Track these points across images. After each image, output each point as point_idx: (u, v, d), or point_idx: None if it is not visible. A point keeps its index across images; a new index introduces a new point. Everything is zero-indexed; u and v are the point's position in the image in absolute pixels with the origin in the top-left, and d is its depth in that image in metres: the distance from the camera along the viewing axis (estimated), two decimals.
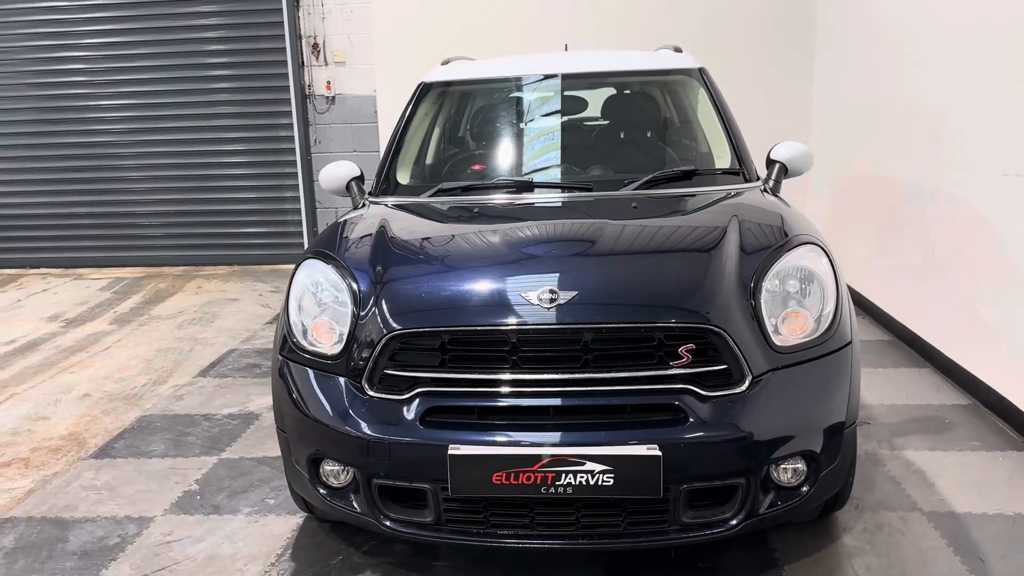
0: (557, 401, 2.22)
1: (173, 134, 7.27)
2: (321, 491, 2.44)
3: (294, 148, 7.13)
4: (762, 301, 2.33)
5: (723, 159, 3.39)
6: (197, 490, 3.22)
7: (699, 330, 2.23)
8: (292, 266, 7.33)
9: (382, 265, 2.51)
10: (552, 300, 2.25)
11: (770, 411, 2.25)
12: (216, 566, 2.68)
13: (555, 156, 3.48)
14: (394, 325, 2.30)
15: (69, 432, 3.86)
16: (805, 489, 2.33)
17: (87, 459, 3.54)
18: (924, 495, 2.95)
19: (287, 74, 7.00)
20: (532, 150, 3.58)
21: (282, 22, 6.90)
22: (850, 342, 2.44)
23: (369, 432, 2.27)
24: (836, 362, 2.38)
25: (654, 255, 2.53)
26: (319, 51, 6.97)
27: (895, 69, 4.77)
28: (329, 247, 2.70)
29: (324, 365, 2.42)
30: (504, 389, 2.24)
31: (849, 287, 5.00)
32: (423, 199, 3.17)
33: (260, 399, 4.17)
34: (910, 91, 4.54)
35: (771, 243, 2.51)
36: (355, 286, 2.45)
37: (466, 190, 3.18)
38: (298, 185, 7.20)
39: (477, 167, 3.55)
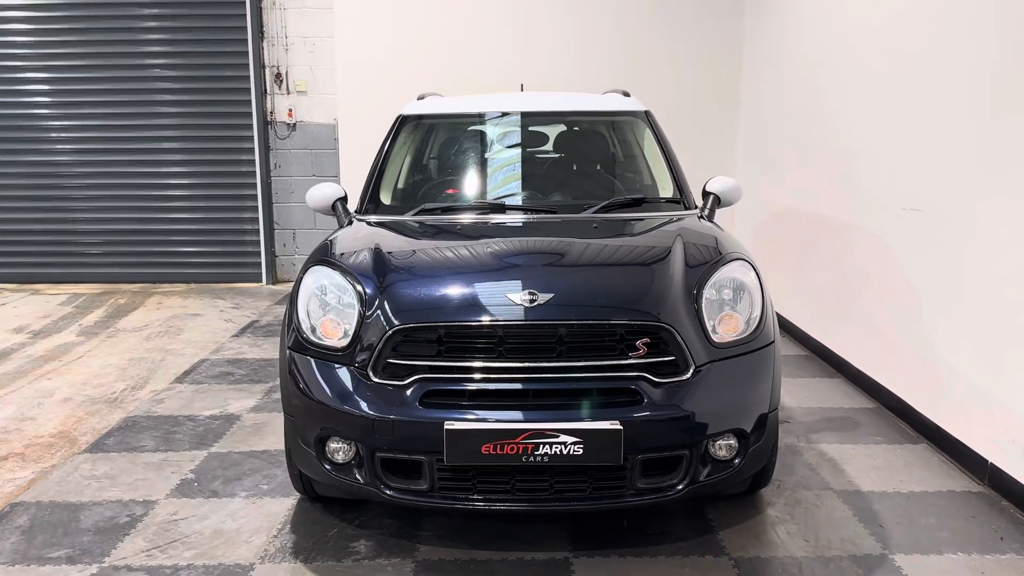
0: (536, 384, 2.66)
1: (132, 155, 7.51)
2: (327, 467, 2.80)
3: (255, 172, 7.45)
4: (703, 305, 2.81)
5: (666, 190, 3.91)
6: (194, 478, 3.53)
7: (653, 327, 2.70)
8: (250, 284, 7.69)
9: (383, 271, 2.91)
10: (532, 301, 2.69)
11: (709, 395, 2.72)
12: (224, 538, 3.01)
13: (518, 183, 3.96)
14: (397, 321, 2.71)
15: (58, 431, 4.11)
16: (737, 461, 2.80)
17: (82, 453, 3.81)
18: (835, 478, 3.47)
19: (250, 101, 7.33)
20: (498, 177, 4.04)
21: (247, 52, 7.25)
22: (773, 342, 2.94)
23: (374, 412, 2.66)
24: (762, 357, 2.88)
25: (615, 266, 3.01)
26: (282, 80, 7.33)
27: (811, 113, 5.41)
28: (331, 255, 3.10)
29: (331, 356, 2.80)
30: (491, 375, 2.67)
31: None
32: (407, 217, 3.59)
33: (238, 403, 4.48)
34: (824, 133, 5.17)
35: (709, 259, 3.00)
36: (360, 289, 2.85)
37: (445, 210, 3.62)
38: (257, 207, 7.51)
39: (453, 190, 4.00)
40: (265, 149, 7.44)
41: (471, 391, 2.66)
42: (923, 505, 3.23)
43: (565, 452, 2.58)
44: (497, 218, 3.54)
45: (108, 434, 4.05)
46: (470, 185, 4.03)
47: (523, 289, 2.73)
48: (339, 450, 2.78)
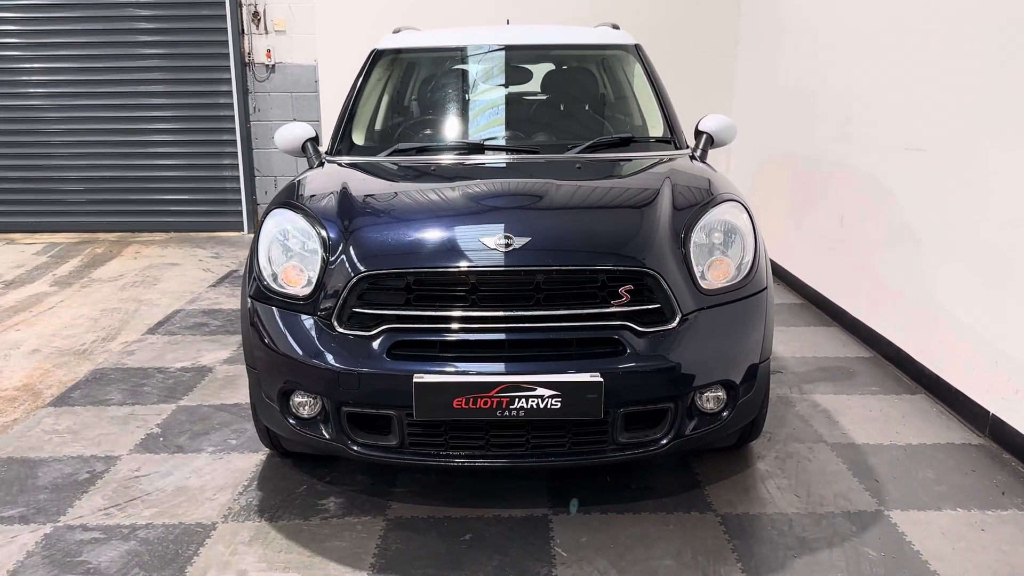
0: (511, 335, 2.48)
1: (109, 99, 7.24)
2: (291, 422, 2.65)
3: (233, 116, 7.19)
4: (691, 250, 2.63)
5: (656, 128, 3.70)
6: (159, 433, 3.38)
7: (636, 273, 2.52)
8: (231, 233, 7.42)
9: (349, 215, 2.72)
10: (507, 245, 2.51)
11: (696, 345, 2.56)
12: (186, 495, 2.87)
13: (501, 122, 3.74)
14: (362, 268, 2.53)
15: (23, 384, 3.95)
16: (725, 414, 2.65)
17: (45, 407, 3.65)
18: (829, 430, 3.33)
19: (227, 42, 7.04)
20: (479, 116, 3.82)
21: None
22: (765, 288, 2.77)
23: (339, 364, 2.49)
24: (753, 304, 2.71)
25: (597, 209, 2.81)
26: (259, 19, 7.03)
27: (812, 51, 5.16)
28: (295, 198, 2.90)
29: (294, 306, 2.63)
30: (464, 325, 2.49)
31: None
32: (380, 158, 3.38)
33: (211, 354, 4.32)
34: (824, 73, 4.94)
35: (698, 200, 2.81)
36: (324, 233, 2.66)
37: (421, 151, 3.41)
38: (237, 153, 7.27)
39: (428, 131, 3.78)
40: (243, 92, 7.17)
41: (442, 342, 2.49)
42: (921, 458, 3.09)
43: (542, 406, 2.42)
44: (475, 159, 3.33)
45: (74, 387, 3.89)
46: (448, 124, 3.81)
47: (498, 233, 2.54)
48: (304, 404, 2.62)
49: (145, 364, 4.19)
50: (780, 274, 5.60)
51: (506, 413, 2.42)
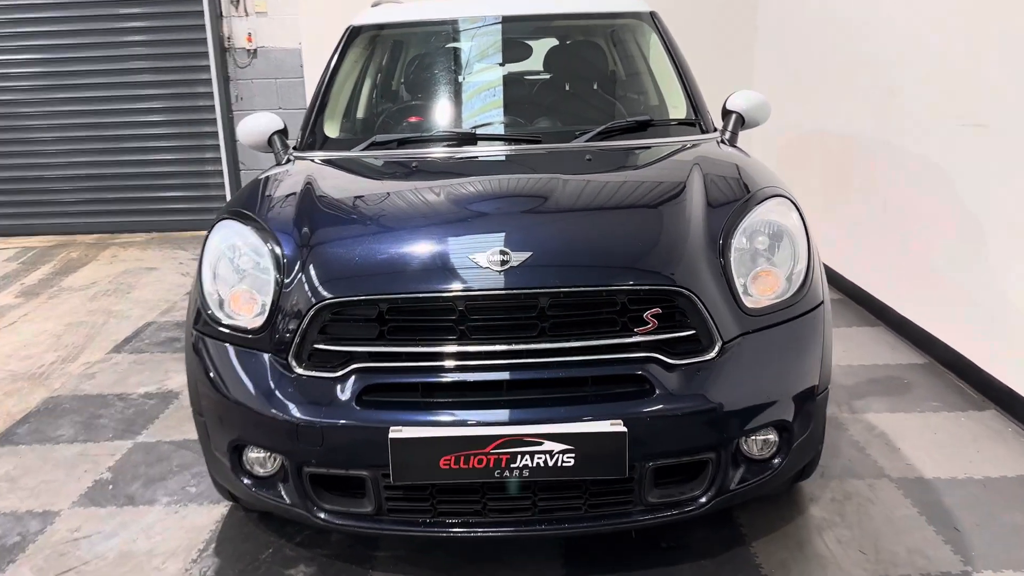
0: (510, 375, 1.99)
1: (82, 91, 6.73)
2: (245, 481, 2.17)
3: (214, 106, 6.68)
4: (731, 259, 2.13)
5: (678, 109, 3.17)
6: (109, 479, 2.91)
7: (665, 292, 2.02)
8: None
9: (309, 226, 2.23)
10: (503, 262, 2.01)
11: (741, 379, 2.06)
12: (130, 564, 2.40)
13: (499, 107, 3.22)
14: (324, 293, 2.04)
15: None
16: (777, 461, 2.16)
17: None
18: (890, 460, 2.82)
19: (204, 26, 6.52)
20: (473, 100, 3.31)
21: None
22: (822, 302, 2.27)
23: (298, 415, 2.01)
24: (808, 324, 2.21)
25: (614, 211, 2.30)
26: (238, 0, 6.51)
27: (846, 17, 4.61)
28: (248, 206, 2.40)
29: (244, 340, 2.14)
30: (451, 363, 2.00)
31: None
32: (354, 153, 2.88)
33: (180, 376, 3.84)
34: (862, 42, 4.39)
35: (736, 196, 2.31)
36: (278, 250, 2.17)
37: (402, 143, 2.89)
38: (219, 145, 6.76)
39: (413, 119, 3.27)
40: (224, 80, 6.65)
41: (425, 385, 2.00)
42: (1006, 496, 2.59)
43: (551, 464, 1.93)
44: (466, 151, 2.81)
45: (23, 420, 3.42)
46: (436, 111, 3.29)
47: (492, 247, 2.04)
48: (259, 461, 2.14)
49: (105, 390, 3.72)
50: None
51: (506, 473, 1.94)
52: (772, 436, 2.15)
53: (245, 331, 2.14)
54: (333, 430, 1.98)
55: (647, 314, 2.01)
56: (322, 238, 2.17)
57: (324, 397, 2.01)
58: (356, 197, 2.45)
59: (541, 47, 3.73)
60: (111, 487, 2.85)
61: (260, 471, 2.15)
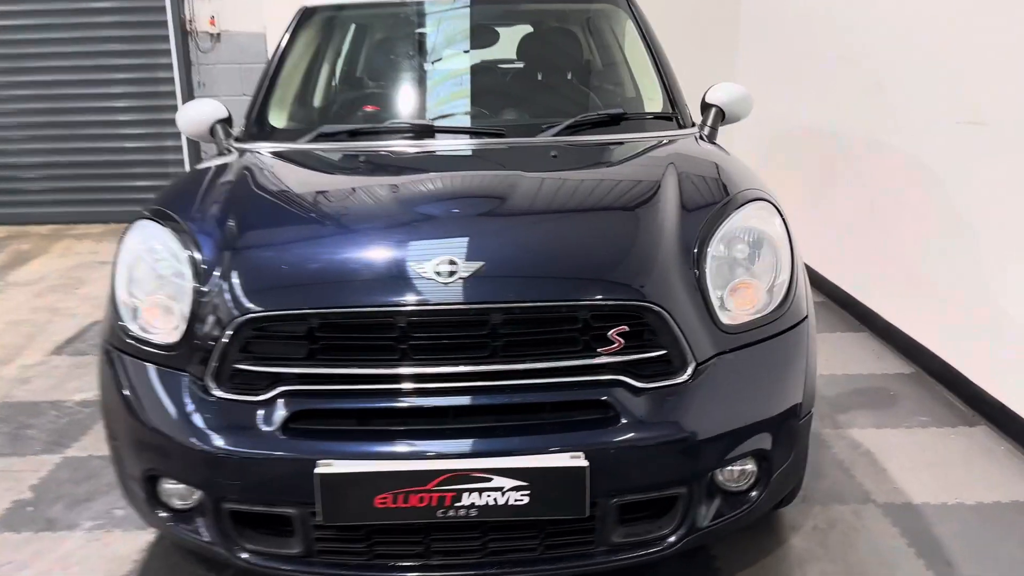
0: (457, 400, 1.77)
1: (37, 75, 6.41)
2: (161, 514, 1.93)
3: (175, 92, 6.39)
4: (707, 270, 1.91)
5: (654, 102, 2.95)
6: (30, 499, 2.66)
7: (632, 308, 1.80)
8: None
9: (236, 228, 1.98)
10: (451, 273, 1.78)
11: (717, 404, 1.85)
12: None
13: (462, 97, 2.99)
14: (246, 306, 1.80)
15: None
16: (755, 494, 1.95)
17: None
18: (876, 483, 2.63)
19: (164, 8, 6.22)
20: (435, 90, 3.07)
21: None
22: (806, 317, 2.05)
23: (214, 444, 1.77)
24: (791, 342, 2.00)
25: (578, 215, 2.06)
26: None
27: (833, 9, 4.40)
28: (171, 204, 2.15)
29: (159, 357, 1.90)
30: (390, 387, 1.77)
31: None
32: (300, 145, 2.63)
33: None
34: (849, 31, 4.18)
35: (714, 199, 2.09)
36: (198, 255, 1.92)
37: (353, 135, 2.64)
38: (180, 133, 6.46)
39: (369, 108, 3.02)
40: (186, 65, 6.36)
41: (360, 412, 1.77)
42: (1000, 524, 2.40)
43: (502, 502, 1.71)
44: (421, 146, 2.56)
45: None
46: (394, 101, 3.05)
47: (439, 255, 1.80)
48: (176, 492, 1.90)
49: (39, 396, 3.46)
50: None
51: (451, 513, 1.71)
52: (750, 466, 1.94)
53: (160, 347, 1.90)
54: (254, 463, 1.75)
55: (612, 332, 1.78)
56: (248, 242, 1.93)
57: (246, 424, 1.78)
58: (292, 196, 2.20)
59: (515, 34, 3.50)
60: (31, 509, 2.60)
61: (178, 504, 1.91)
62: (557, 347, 1.79)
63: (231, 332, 1.78)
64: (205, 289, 1.86)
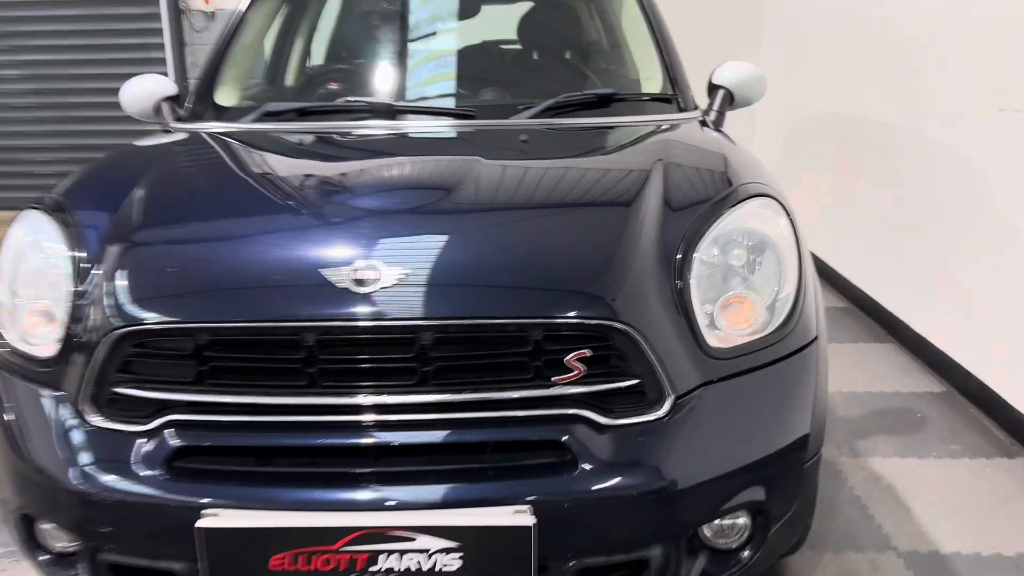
0: (376, 439, 1.44)
1: (24, 54, 6.16)
2: (40, 557, 1.63)
3: (166, 73, 6.10)
4: (692, 281, 1.56)
5: (652, 82, 2.59)
6: None
7: (596, 327, 1.46)
8: None
9: (131, 222, 1.66)
10: (371, 281, 1.45)
11: (701, 446, 1.51)
12: None
13: (438, 76, 2.64)
14: (124, 316, 1.48)
15: None
16: (747, 553, 1.61)
17: None
18: (898, 525, 2.27)
19: None
20: (409, 67, 2.72)
21: None
22: (815, 338, 1.70)
23: (87, 483, 1.46)
24: (795, 369, 1.65)
25: (537, 212, 1.71)
26: None
27: None
28: (71, 191, 1.84)
29: (35, 374, 1.59)
30: (295, 419, 1.45)
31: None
32: (241, 125, 2.30)
33: None
34: (885, 13, 3.78)
35: (708, 194, 1.73)
36: (80, 252, 1.61)
37: (302, 114, 2.32)
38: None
39: (332, 86, 2.69)
40: (179, 45, 6.07)
41: (259, 449, 1.45)
42: None
43: (428, 568, 1.39)
44: (373, 128, 2.22)
45: None
46: (359, 79, 2.70)
47: (357, 259, 1.47)
48: (53, 535, 1.60)
49: None
50: (820, 270, 4.49)
51: None
52: (743, 520, 1.60)
53: (37, 361, 1.59)
54: (131, 508, 1.44)
55: (570, 358, 1.45)
56: (140, 239, 1.61)
57: (124, 460, 1.46)
58: (203, 185, 1.87)
59: (517, 12, 3.14)
60: None
61: (57, 547, 1.61)
62: (502, 374, 1.46)
63: (107, 348, 1.47)
64: (84, 294, 1.55)
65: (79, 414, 1.51)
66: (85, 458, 1.48)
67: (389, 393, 1.44)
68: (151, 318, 1.46)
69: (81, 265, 1.59)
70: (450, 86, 2.54)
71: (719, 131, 2.32)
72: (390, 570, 1.39)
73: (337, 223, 1.61)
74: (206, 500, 1.40)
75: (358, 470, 1.43)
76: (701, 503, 1.51)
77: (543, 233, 1.61)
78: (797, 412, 1.63)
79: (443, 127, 2.21)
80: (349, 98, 2.33)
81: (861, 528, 2.26)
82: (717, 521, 1.58)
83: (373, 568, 1.38)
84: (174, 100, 2.50)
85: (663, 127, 2.26)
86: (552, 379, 1.45)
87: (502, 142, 2.10)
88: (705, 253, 1.61)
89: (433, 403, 1.44)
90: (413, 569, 1.38)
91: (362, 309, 1.42)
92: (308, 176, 1.85)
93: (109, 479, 1.45)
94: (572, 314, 1.44)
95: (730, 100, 2.52)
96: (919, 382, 3.19)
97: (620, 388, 1.48)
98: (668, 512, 1.48)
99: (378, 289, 1.43)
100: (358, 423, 1.44)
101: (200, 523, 1.37)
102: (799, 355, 1.65)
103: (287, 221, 1.65)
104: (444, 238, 1.56)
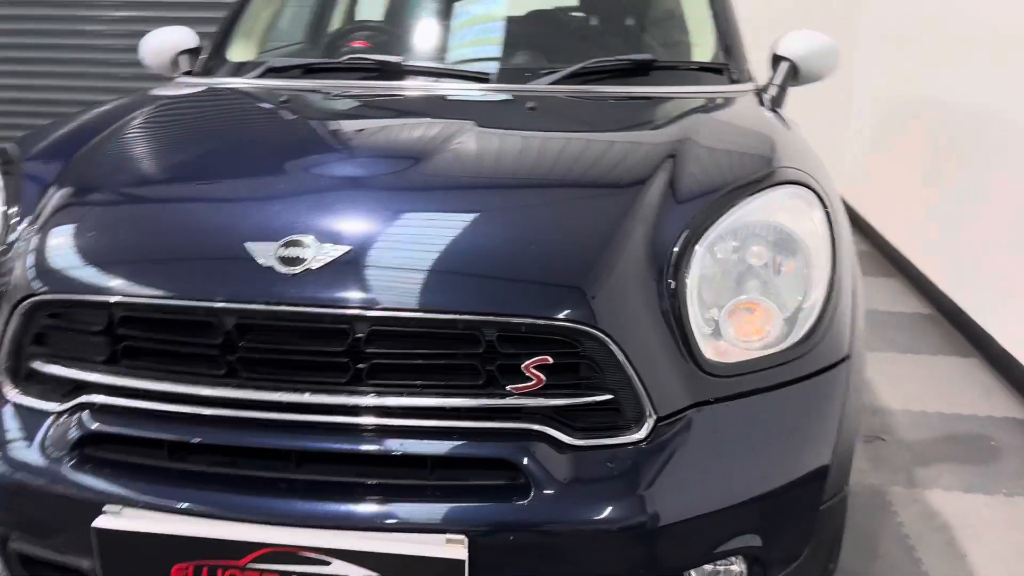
0: (299, 443, 1.25)
1: (33, 8, 6.09)
2: None
3: None
4: (690, 281, 1.31)
5: (702, 49, 2.31)
6: None
7: (561, 331, 1.22)
8: None
9: (72, 180, 1.51)
10: (294, 260, 1.25)
11: (686, 478, 1.27)
12: None
13: (468, 37, 2.41)
14: (41, 282, 1.33)
15: None
16: None
17: None
18: (949, 571, 1.96)
19: None
20: (440, 28, 2.50)
21: None
22: (846, 358, 1.42)
23: None
24: (815, 393, 1.38)
25: (514, 191, 1.47)
26: None
27: None
28: (31, 141, 1.70)
29: None
30: (212, 412, 1.27)
31: (882, 238, 3.82)
32: (240, 81, 2.14)
33: None
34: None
35: (727, 181, 1.46)
36: (14, 208, 1.48)
37: (308, 71, 2.14)
38: None
39: (356, 43, 2.50)
40: None
41: (169, 445, 1.28)
42: None
43: None
44: (372, 89, 2.00)
45: None
46: (382, 38, 2.50)
47: (283, 235, 1.28)
48: None
49: None
50: (900, 264, 4.10)
51: None
52: (737, 568, 1.35)
53: None
54: (31, 494, 1.30)
55: (528, 365, 1.22)
56: (74, 199, 1.45)
57: (32, 440, 1.32)
58: (158, 145, 1.69)
59: None
60: None
61: None
62: (450, 378, 1.24)
63: (19, 317, 1.33)
64: (11, 256, 1.41)
65: None
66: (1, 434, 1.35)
67: (316, 391, 1.24)
68: (62, 288, 1.31)
69: (11, 222, 1.45)
70: (475, 48, 2.31)
71: (774, 110, 2.02)
72: None
73: (278, 192, 1.42)
74: (107, 495, 1.25)
75: (277, 476, 1.24)
76: (683, 545, 1.27)
77: (513, 216, 1.38)
78: (813, 444, 1.36)
79: (448, 90, 1.99)
80: (355, 56, 2.13)
81: (903, 573, 1.96)
82: (705, 567, 1.33)
83: None
84: (192, 53, 2.36)
85: (705, 101, 1.99)
86: (507, 387, 1.23)
87: (506, 110, 1.86)
88: (713, 248, 1.35)
89: (366, 406, 1.24)
90: None
91: (286, 292, 1.23)
92: (265, 139, 1.67)
93: (13, 459, 1.31)
94: (530, 312, 1.21)
95: (794, 74, 2.23)
96: (1000, 405, 2.81)
97: (589, 404, 1.25)
98: (640, 554, 1.25)
99: (305, 270, 1.23)
100: (281, 422, 1.25)
101: (97, 522, 1.22)
102: (821, 377, 1.38)
103: (225, 188, 1.47)
104: (395, 215, 1.34)
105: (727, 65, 2.20)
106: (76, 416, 1.31)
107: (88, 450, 1.30)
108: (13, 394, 1.36)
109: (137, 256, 1.32)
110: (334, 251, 1.25)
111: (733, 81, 2.16)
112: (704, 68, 2.21)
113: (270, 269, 1.24)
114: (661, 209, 1.36)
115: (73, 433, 1.30)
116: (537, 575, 1.23)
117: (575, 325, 1.21)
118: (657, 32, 2.51)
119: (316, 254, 1.24)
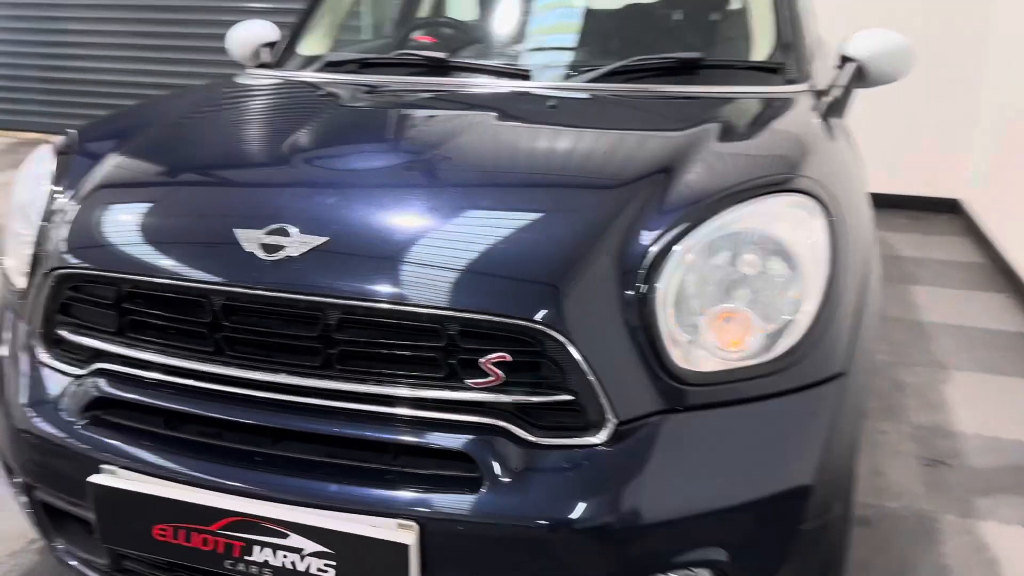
0: (274, 420, 1.33)
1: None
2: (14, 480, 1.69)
3: None
4: (661, 285, 1.29)
5: (760, 47, 2.24)
6: None
7: (517, 328, 1.24)
8: None
9: (114, 165, 1.65)
10: (277, 247, 1.32)
11: (645, 483, 1.26)
12: None
13: (530, 35, 2.43)
14: (63, 257, 1.47)
15: None
16: None
17: None
18: None
19: None
20: (505, 26, 2.54)
21: None
22: (839, 375, 1.36)
23: (21, 417, 1.48)
24: (798, 409, 1.34)
25: (499, 188, 1.47)
26: None
27: None
28: (94, 129, 1.87)
29: (16, 306, 1.64)
30: (202, 386, 1.37)
31: (995, 251, 3.62)
32: (303, 74, 2.25)
33: None
34: None
35: (721, 187, 1.42)
36: (59, 187, 1.64)
37: (364, 66, 2.22)
38: None
39: (420, 37, 2.58)
40: None
41: (168, 413, 1.39)
42: None
43: (302, 570, 1.26)
44: (411, 84, 2.06)
45: None
46: (449, 36, 2.57)
47: (267, 222, 1.35)
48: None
49: None
50: (1017, 286, 3.81)
51: (241, 568, 1.29)
52: None
53: (17, 293, 1.63)
54: (49, 450, 1.44)
55: (486, 361, 1.24)
56: (104, 182, 1.58)
57: (55, 399, 1.46)
58: (189, 134, 1.81)
59: None
60: None
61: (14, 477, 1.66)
62: (414, 369, 1.28)
63: (49, 288, 1.47)
64: (48, 230, 1.56)
65: (32, 351, 1.52)
66: (31, 392, 1.50)
67: (291, 373, 1.32)
68: (83, 263, 1.44)
69: (55, 200, 1.60)
70: (526, 44, 2.33)
71: (826, 114, 1.92)
72: (265, 563, 1.28)
73: (271, 181, 1.50)
74: (108, 455, 1.36)
75: (254, 450, 1.32)
76: (636, 551, 1.26)
77: (491, 213, 1.40)
78: (790, 462, 1.32)
79: (487, 86, 2.02)
80: (404, 52, 2.20)
81: None
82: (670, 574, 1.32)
83: (248, 558, 1.28)
84: (271, 46, 2.50)
85: (747, 102, 1.93)
86: (466, 382, 1.26)
87: (524, 108, 1.88)
88: (693, 253, 1.32)
89: (336, 391, 1.30)
90: (287, 568, 1.27)
91: (264, 276, 1.30)
92: (278, 131, 1.75)
93: (37, 417, 1.46)
94: (487, 309, 1.24)
95: (861, 76, 2.13)
96: None
97: (550, 403, 1.26)
98: (590, 557, 1.25)
99: (284, 257, 1.30)
100: (260, 400, 1.33)
101: (93, 478, 1.34)
102: (806, 393, 1.33)
103: (225, 176, 1.57)
104: (376, 209, 1.39)
105: (783, 64, 2.12)
106: (92, 381, 1.44)
107: (98, 413, 1.42)
108: (44, 357, 1.51)
109: (145, 237, 1.43)
110: (313, 241, 1.31)
111: (789, 82, 2.08)
112: (756, 67, 2.15)
113: (251, 255, 1.32)
114: (642, 214, 1.35)
115: (86, 396, 1.43)
116: (486, 569, 1.25)
117: (531, 324, 1.23)
118: (720, 28, 2.45)
119: (295, 243, 1.31)
